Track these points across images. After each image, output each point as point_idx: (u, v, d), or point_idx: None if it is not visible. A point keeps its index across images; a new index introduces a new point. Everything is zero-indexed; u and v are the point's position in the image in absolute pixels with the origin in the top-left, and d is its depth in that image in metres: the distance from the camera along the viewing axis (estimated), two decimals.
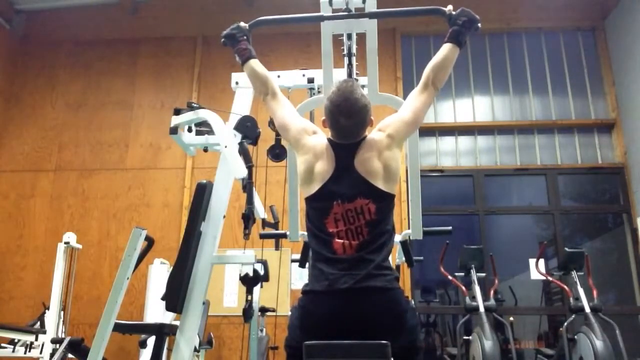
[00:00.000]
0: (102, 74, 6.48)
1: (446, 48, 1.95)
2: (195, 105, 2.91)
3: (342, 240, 1.70)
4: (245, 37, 2.13)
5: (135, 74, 6.46)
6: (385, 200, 1.78)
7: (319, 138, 1.90)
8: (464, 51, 6.57)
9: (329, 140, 1.87)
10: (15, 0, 6.58)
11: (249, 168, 2.74)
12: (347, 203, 1.74)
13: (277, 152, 3.03)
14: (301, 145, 1.89)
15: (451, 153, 6.14)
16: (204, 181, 2.72)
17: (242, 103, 3.03)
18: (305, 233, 1.97)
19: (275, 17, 2.32)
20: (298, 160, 1.90)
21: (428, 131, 6.10)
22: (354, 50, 2.50)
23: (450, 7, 2.03)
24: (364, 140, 1.83)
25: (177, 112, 2.95)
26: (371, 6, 2.33)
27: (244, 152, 2.79)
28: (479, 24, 1.96)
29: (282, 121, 2.00)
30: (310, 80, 3.12)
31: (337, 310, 1.63)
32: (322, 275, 1.69)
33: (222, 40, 2.15)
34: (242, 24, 2.17)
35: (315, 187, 1.80)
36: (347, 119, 1.79)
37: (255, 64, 2.09)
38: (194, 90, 6.28)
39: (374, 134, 1.87)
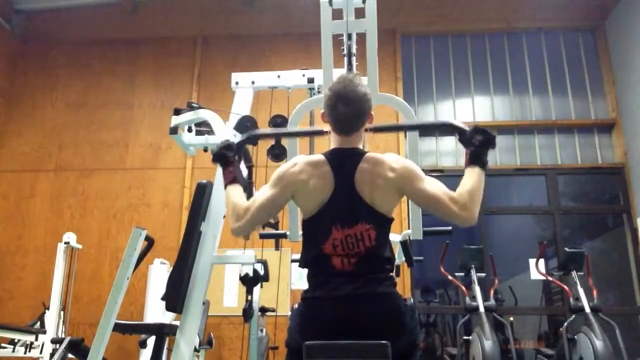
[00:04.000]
0: (102, 74, 6.48)
1: (474, 174, 1.76)
2: (195, 105, 2.91)
3: (340, 258, 1.68)
4: (236, 157, 1.99)
5: (135, 74, 6.46)
6: (385, 224, 1.73)
7: (305, 158, 1.79)
8: (464, 51, 6.60)
9: (324, 155, 1.78)
10: (15, 0, 6.57)
11: (249, 168, 2.74)
12: (347, 228, 1.67)
13: (277, 152, 3.03)
14: (300, 179, 1.74)
15: (451, 153, 6.14)
16: (204, 181, 2.73)
17: (242, 103, 3.04)
18: None
19: (269, 132, 2.41)
20: (298, 201, 1.78)
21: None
22: (354, 50, 2.50)
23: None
24: (365, 157, 1.74)
25: (177, 112, 2.96)
26: (371, 6, 2.33)
27: (244, 152, 2.79)
28: (495, 141, 1.84)
29: (267, 203, 1.79)
30: (310, 80, 3.11)
31: (337, 315, 1.63)
32: (320, 282, 1.69)
33: (212, 158, 2.03)
34: (232, 140, 2.07)
35: (313, 210, 1.73)
36: (345, 106, 1.73)
37: (231, 191, 1.90)
38: (194, 90, 6.28)
39: (379, 155, 1.76)
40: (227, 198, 1.91)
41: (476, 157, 1.80)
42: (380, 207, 1.71)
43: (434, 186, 1.73)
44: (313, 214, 1.74)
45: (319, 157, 1.78)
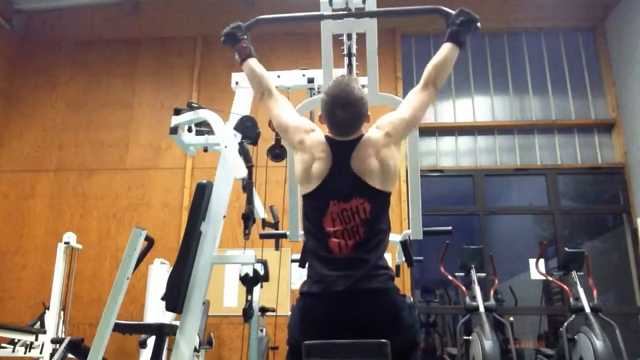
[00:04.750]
0: (102, 74, 6.48)
1: (446, 48, 1.93)
2: (195, 105, 2.90)
3: (338, 240, 1.71)
4: (245, 37, 2.13)
5: (135, 74, 6.46)
6: (381, 199, 1.78)
7: (316, 135, 1.88)
8: (464, 51, 6.56)
9: (326, 137, 1.86)
10: (15, 0, 6.58)
11: (249, 168, 2.74)
12: (342, 203, 1.74)
13: (277, 152, 3.03)
14: (298, 144, 1.88)
15: (451, 153, 6.14)
16: (204, 181, 2.72)
17: (242, 103, 3.03)
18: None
19: (274, 16, 2.31)
20: (296, 159, 1.89)
21: (428, 131, 6.10)
22: (354, 50, 2.50)
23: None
24: (361, 139, 1.82)
25: (177, 112, 2.95)
26: (371, 6, 2.33)
27: (244, 152, 2.79)
28: (478, 24, 1.95)
29: (279, 120, 1.99)
30: (310, 80, 3.11)
31: (334, 312, 1.64)
32: (318, 276, 1.71)
33: (222, 38, 2.15)
34: (242, 23, 2.18)
35: (312, 186, 1.80)
36: (343, 111, 1.78)
37: (253, 63, 2.09)
38: (194, 90, 6.28)
39: (371, 132, 1.85)
40: (251, 70, 2.08)
41: (454, 35, 1.94)
42: (378, 181, 1.76)
43: (409, 107, 1.89)
44: (311, 190, 1.80)
45: (322, 136, 1.86)
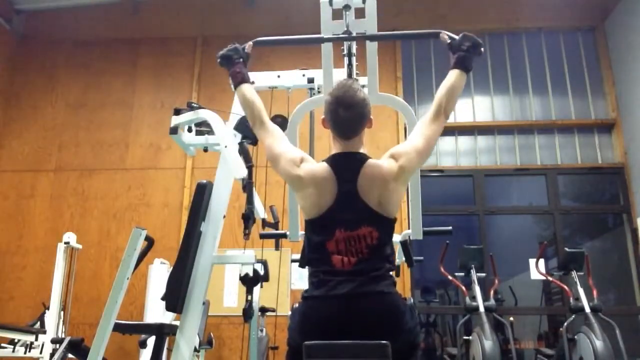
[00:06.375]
0: (102, 74, 6.48)
1: (454, 75, 1.90)
2: (195, 105, 2.90)
3: (341, 257, 1.70)
4: (241, 60, 2.10)
5: (135, 74, 6.46)
6: (388, 226, 1.77)
7: (313, 165, 1.84)
8: None
9: (327, 160, 1.82)
10: (15, 0, 6.58)
11: (249, 168, 2.74)
12: (350, 231, 1.72)
13: None
14: (297, 180, 1.83)
15: (451, 153, 6.14)
16: (204, 181, 2.72)
17: None
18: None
19: (272, 39, 2.31)
20: (297, 196, 1.85)
21: None
22: (354, 51, 2.50)
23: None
24: (367, 163, 1.78)
25: (177, 112, 2.95)
26: (371, 7, 2.33)
27: (244, 152, 2.79)
28: (482, 48, 1.93)
29: (271, 151, 1.93)
30: (310, 80, 3.11)
31: (336, 314, 1.64)
32: (320, 282, 1.71)
33: (218, 60, 2.13)
34: (239, 45, 2.15)
35: (316, 212, 1.77)
36: (346, 111, 1.78)
37: (246, 89, 2.05)
38: (194, 90, 6.28)
39: (384, 161, 1.81)
40: (243, 97, 2.04)
41: (461, 61, 1.92)
42: (386, 210, 1.75)
43: (422, 137, 1.85)
44: (316, 217, 1.77)
45: (322, 167, 1.81)
